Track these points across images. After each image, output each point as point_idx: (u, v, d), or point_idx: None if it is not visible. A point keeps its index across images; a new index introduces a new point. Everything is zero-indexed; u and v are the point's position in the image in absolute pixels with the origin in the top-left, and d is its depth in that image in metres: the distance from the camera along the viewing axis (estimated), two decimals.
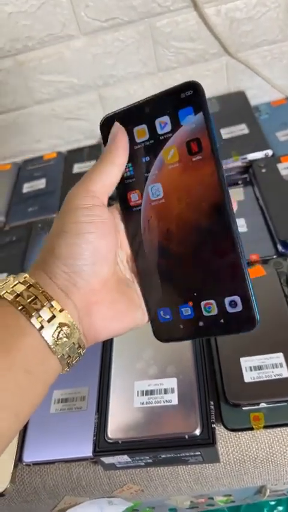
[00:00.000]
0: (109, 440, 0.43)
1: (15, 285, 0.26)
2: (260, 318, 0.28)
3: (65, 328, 0.26)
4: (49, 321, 0.26)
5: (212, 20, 0.69)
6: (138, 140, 0.30)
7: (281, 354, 0.44)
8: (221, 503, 0.58)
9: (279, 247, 0.55)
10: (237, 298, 0.29)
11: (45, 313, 0.26)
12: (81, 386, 0.48)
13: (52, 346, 0.26)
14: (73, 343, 0.27)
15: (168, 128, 0.30)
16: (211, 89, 0.78)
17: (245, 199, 0.64)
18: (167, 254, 0.30)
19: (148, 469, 0.46)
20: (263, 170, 0.64)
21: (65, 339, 0.26)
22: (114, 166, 0.29)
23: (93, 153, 0.81)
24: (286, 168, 0.63)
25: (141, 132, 0.30)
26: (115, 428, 0.43)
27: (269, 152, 0.66)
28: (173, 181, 0.30)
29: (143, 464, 0.44)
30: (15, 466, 0.46)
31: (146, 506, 0.58)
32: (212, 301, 0.30)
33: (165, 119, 0.30)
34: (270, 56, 0.74)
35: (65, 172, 0.79)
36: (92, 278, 0.28)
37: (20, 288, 0.26)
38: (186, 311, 0.30)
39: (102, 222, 0.28)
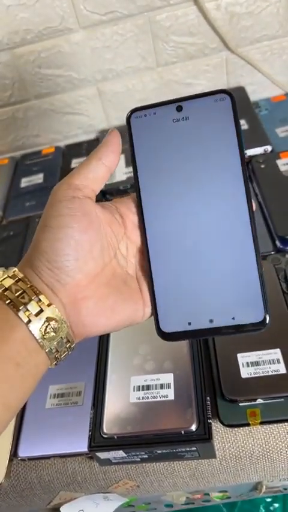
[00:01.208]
0: (105, 436, 0.43)
1: (3, 279, 0.27)
2: (271, 318, 0.28)
3: (52, 323, 0.26)
4: (37, 315, 0.26)
5: (212, 15, 0.68)
6: (159, 136, 0.30)
7: (278, 350, 0.44)
8: (216, 499, 0.58)
9: (278, 243, 0.55)
10: (249, 298, 0.29)
11: (33, 307, 0.26)
12: (77, 381, 0.48)
13: (40, 340, 0.26)
14: (61, 337, 0.27)
15: (194, 128, 0.30)
16: (210, 84, 0.78)
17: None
18: (181, 250, 0.30)
19: (144, 464, 0.46)
20: (262, 166, 0.64)
21: (52, 333, 0.26)
22: (99, 162, 0.29)
23: (91, 147, 0.81)
24: (285, 164, 0.63)
25: (165, 128, 0.30)
26: (111, 424, 0.43)
27: (268, 148, 0.66)
28: (194, 179, 0.30)
29: (138, 459, 0.44)
30: (10, 460, 0.46)
31: (142, 502, 0.58)
32: (224, 299, 0.29)
33: (192, 121, 0.30)
34: (270, 52, 0.74)
35: (63, 167, 0.79)
36: (76, 274, 0.27)
37: (8, 282, 0.26)
38: (197, 308, 0.29)
39: (84, 215, 0.28)
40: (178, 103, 0.30)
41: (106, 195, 0.71)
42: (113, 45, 0.71)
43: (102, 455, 0.43)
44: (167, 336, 0.30)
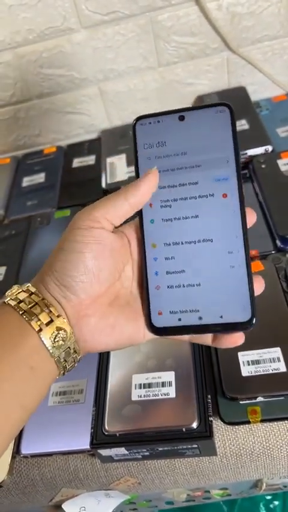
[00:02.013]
0: (106, 433, 0.43)
1: (19, 293, 0.29)
2: (257, 318, 0.30)
3: (61, 332, 0.28)
4: (47, 324, 0.28)
5: (214, 15, 0.69)
6: (162, 143, 0.32)
7: (278, 349, 0.45)
8: (217, 496, 0.58)
9: (278, 243, 0.55)
10: (237, 299, 0.30)
11: (44, 318, 0.28)
12: (79, 379, 0.49)
13: (49, 348, 0.28)
14: (69, 347, 0.29)
15: (194, 136, 0.31)
16: (212, 84, 0.78)
17: (244, 194, 0.64)
18: (175, 250, 0.31)
19: (145, 461, 0.46)
20: (263, 166, 0.64)
21: (61, 342, 0.28)
22: (124, 202, 0.31)
23: (93, 147, 0.81)
24: (286, 164, 0.63)
25: (167, 135, 0.32)
26: (113, 421, 0.43)
27: (269, 148, 0.66)
28: (191, 184, 0.31)
29: (140, 457, 0.45)
30: (13, 457, 0.46)
31: (143, 499, 0.58)
32: (213, 298, 0.30)
33: (193, 130, 0.31)
34: (271, 52, 0.74)
35: (64, 166, 0.79)
36: (80, 294, 0.29)
37: (23, 295, 0.29)
38: (187, 306, 0.31)
39: (98, 244, 0.30)
40: (181, 113, 0.31)
41: (107, 194, 0.71)
42: (114, 45, 0.72)
43: (104, 452, 0.44)
44: (157, 331, 0.31)
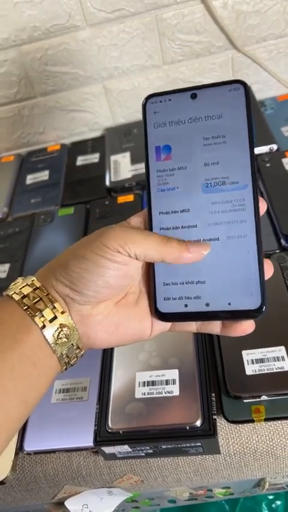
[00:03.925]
0: (110, 430, 0.43)
1: (23, 287, 0.29)
2: (267, 306, 0.29)
3: (65, 329, 0.28)
4: (51, 321, 0.28)
5: (219, 13, 0.68)
6: (173, 122, 0.31)
7: (283, 347, 0.45)
8: (219, 495, 0.58)
9: (283, 242, 0.55)
10: (247, 285, 0.29)
11: (48, 314, 0.28)
12: (83, 377, 0.49)
13: (52, 345, 0.28)
14: (72, 344, 0.29)
15: (207, 116, 0.30)
16: None
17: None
18: (183, 235, 0.30)
19: (148, 459, 0.46)
20: (268, 165, 0.64)
21: (64, 339, 0.28)
22: (157, 255, 0.29)
23: (97, 145, 0.81)
24: None
25: (179, 115, 0.31)
26: (116, 419, 0.43)
27: (274, 147, 0.66)
28: (204, 167, 0.30)
29: (143, 454, 0.44)
30: (16, 454, 0.46)
31: (145, 497, 0.58)
32: (221, 284, 0.29)
33: (206, 109, 0.30)
34: (276, 50, 0.74)
35: (68, 164, 0.79)
36: (90, 298, 0.29)
37: (27, 290, 0.28)
38: (194, 291, 0.30)
39: (124, 265, 0.29)
40: (193, 91, 0.31)
41: (111, 192, 0.71)
42: (119, 43, 0.72)
43: (107, 449, 0.44)
44: (163, 316, 0.31)
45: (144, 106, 0.31)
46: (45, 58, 0.73)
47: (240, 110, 0.30)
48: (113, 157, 0.75)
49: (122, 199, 0.69)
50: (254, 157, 0.30)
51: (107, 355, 0.49)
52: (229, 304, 0.29)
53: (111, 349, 0.49)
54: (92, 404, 0.46)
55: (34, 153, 0.84)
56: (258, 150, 0.66)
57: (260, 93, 0.78)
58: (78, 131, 0.84)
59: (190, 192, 0.30)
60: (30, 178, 0.79)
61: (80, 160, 0.79)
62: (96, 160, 0.78)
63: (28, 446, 0.46)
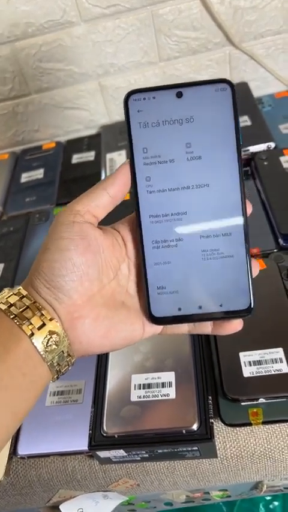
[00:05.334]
0: (105, 434, 0.42)
1: (9, 296, 0.28)
2: (255, 305, 0.30)
3: (54, 336, 0.27)
4: (39, 328, 0.27)
5: (216, 9, 0.67)
6: (157, 121, 0.30)
7: (280, 349, 0.44)
8: (216, 497, 0.57)
9: (281, 241, 0.54)
10: (236, 287, 0.30)
11: (36, 322, 0.27)
12: (78, 379, 0.48)
13: (42, 353, 0.27)
14: (62, 351, 0.28)
15: (193, 119, 0.29)
16: None
17: (246, 192, 0.63)
18: (174, 239, 0.30)
19: (144, 463, 0.45)
20: (265, 163, 0.63)
21: (54, 346, 0.27)
22: (103, 192, 0.30)
23: (92, 143, 0.80)
24: None
25: (163, 114, 0.30)
26: (111, 422, 0.43)
27: (272, 145, 0.65)
28: (190, 169, 0.30)
29: (139, 458, 0.44)
30: (10, 458, 0.45)
31: (142, 500, 0.57)
32: (212, 287, 0.30)
33: (193, 108, 0.29)
34: (274, 47, 0.73)
35: (63, 162, 0.78)
36: (72, 293, 0.28)
37: (14, 299, 0.28)
38: (187, 295, 0.30)
39: (82, 239, 0.29)
40: (178, 89, 0.29)
41: None
42: (114, 39, 0.71)
43: (102, 454, 0.43)
44: (157, 320, 0.31)
45: (126, 102, 0.30)
46: (40, 54, 0.72)
47: (228, 111, 0.29)
48: (108, 156, 0.74)
49: None
50: (241, 161, 0.29)
51: (102, 357, 0.48)
52: (221, 305, 0.30)
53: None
54: (87, 407, 0.46)
55: (29, 151, 0.83)
56: (255, 148, 0.65)
57: (257, 90, 0.77)
58: (74, 129, 0.83)
59: (179, 192, 0.30)
60: (25, 177, 0.78)
61: (76, 159, 0.78)
62: (92, 158, 0.77)
63: (22, 450, 0.45)
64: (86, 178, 0.73)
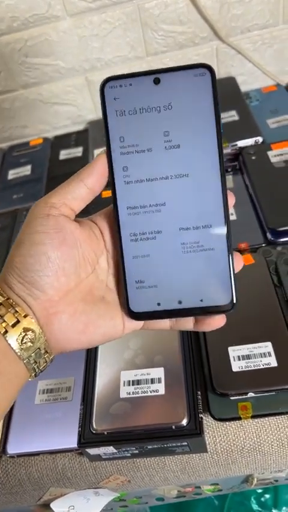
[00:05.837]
0: (94, 432, 0.42)
1: None
2: (238, 300, 0.29)
3: (29, 333, 0.27)
4: (13, 325, 0.26)
5: (202, 3, 0.67)
6: (134, 109, 0.29)
7: (269, 343, 0.44)
8: (208, 492, 0.58)
9: (269, 236, 0.55)
10: (217, 282, 0.29)
11: (9, 319, 0.26)
12: (67, 377, 0.47)
13: (17, 351, 0.26)
14: (38, 348, 0.27)
15: (171, 106, 0.28)
16: None
17: (234, 186, 0.63)
18: (153, 233, 0.29)
19: (135, 459, 0.45)
20: (253, 157, 0.63)
21: (29, 343, 0.27)
22: (80, 183, 0.29)
23: (80, 138, 0.79)
24: (276, 156, 0.62)
25: (140, 101, 0.28)
26: (101, 420, 0.42)
27: (259, 139, 0.65)
28: (169, 158, 0.29)
29: (129, 455, 0.44)
30: None
31: (133, 496, 0.57)
32: (193, 282, 0.29)
33: (171, 94, 0.28)
34: (261, 41, 0.73)
35: (51, 158, 0.78)
36: (47, 289, 0.27)
37: None
38: (166, 290, 0.29)
39: (57, 232, 0.28)
40: (156, 75, 0.28)
41: None
42: (101, 34, 0.70)
43: (92, 451, 0.43)
44: (136, 316, 0.30)
45: (102, 90, 0.29)
46: (25, 49, 0.71)
47: (207, 98, 0.28)
48: (96, 151, 0.74)
49: (106, 193, 0.67)
50: (221, 150, 0.28)
51: (91, 353, 0.48)
52: (201, 300, 0.29)
53: (95, 348, 0.48)
54: (76, 405, 0.45)
55: (16, 148, 0.82)
56: (243, 143, 0.65)
57: (245, 84, 0.77)
58: (62, 124, 0.82)
59: (157, 182, 0.29)
60: (12, 174, 0.77)
61: (63, 155, 0.77)
62: (80, 154, 0.76)
63: (11, 449, 0.45)
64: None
